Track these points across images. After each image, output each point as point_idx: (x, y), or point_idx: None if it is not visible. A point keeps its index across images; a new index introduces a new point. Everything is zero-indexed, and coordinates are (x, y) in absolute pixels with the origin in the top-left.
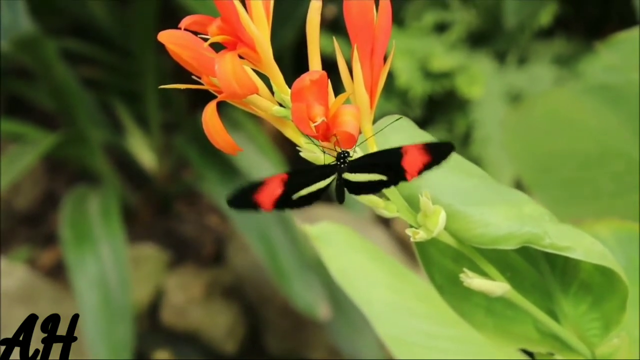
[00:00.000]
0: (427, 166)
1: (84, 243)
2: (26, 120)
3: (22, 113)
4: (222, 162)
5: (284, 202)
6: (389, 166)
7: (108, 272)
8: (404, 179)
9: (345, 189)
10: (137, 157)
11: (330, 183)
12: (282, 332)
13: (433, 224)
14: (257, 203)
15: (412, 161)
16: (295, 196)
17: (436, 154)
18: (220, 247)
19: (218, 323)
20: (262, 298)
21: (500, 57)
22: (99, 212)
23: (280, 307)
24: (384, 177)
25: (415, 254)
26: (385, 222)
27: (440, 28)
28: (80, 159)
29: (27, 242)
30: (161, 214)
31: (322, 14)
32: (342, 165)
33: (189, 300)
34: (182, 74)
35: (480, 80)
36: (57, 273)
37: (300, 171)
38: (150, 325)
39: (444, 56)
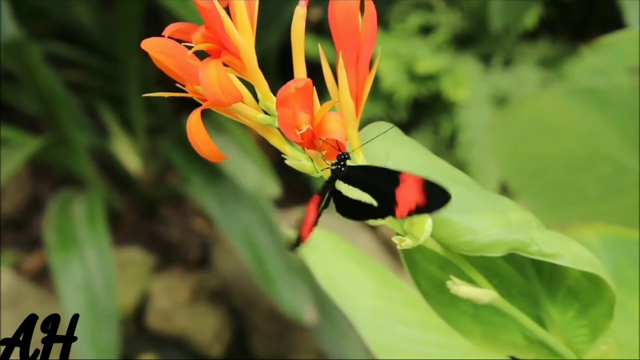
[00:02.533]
0: (419, 210)
1: (69, 247)
2: (11, 124)
3: (7, 117)
4: (207, 166)
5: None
6: (382, 191)
7: (93, 276)
8: (393, 213)
9: (335, 205)
10: (122, 161)
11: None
12: (268, 336)
13: (419, 232)
14: (302, 238)
15: (406, 195)
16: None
17: (432, 199)
18: (206, 251)
19: (204, 327)
20: (248, 302)
21: (486, 60)
22: (84, 216)
23: (266, 311)
24: (374, 202)
25: (402, 260)
26: (372, 227)
27: (425, 30)
28: (65, 163)
29: (12, 247)
30: (146, 217)
31: (306, 18)
32: (342, 169)
33: (175, 305)
34: (167, 78)
35: (466, 82)
36: (42, 277)
37: (325, 187)
38: (136, 329)
39: (429, 59)
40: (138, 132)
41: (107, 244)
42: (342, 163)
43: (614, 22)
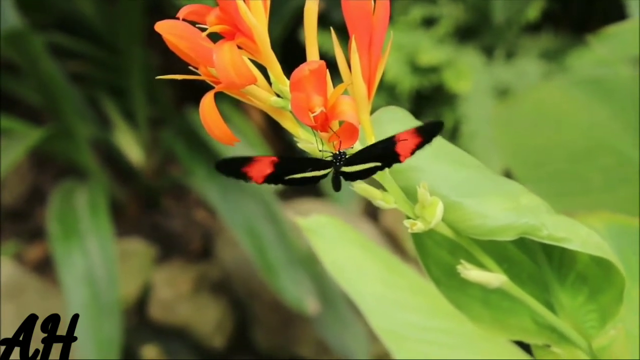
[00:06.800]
0: (419, 146)
1: (71, 238)
2: (13, 115)
3: (9, 108)
4: (209, 157)
5: (274, 180)
6: (383, 154)
7: (95, 267)
8: (398, 161)
9: (342, 177)
10: (125, 152)
11: (327, 174)
12: (271, 327)
13: (430, 215)
14: (246, 174)
15: (405, 146)
16: (288, 177)
17: (427, 133)
18: (208, 242)
19: (206, 318)
20: (250, 293)
21: (488, 52)
22: (86, 207)
23: (268, 302)
24: (378, 164)
25: (413, 245)
26: (373, 217)
27: (428, 22)
28: (67, 154)
29: (13, 238)
30: (149, 208)
31: None
32: (339, 164)
33: (177, 296)
34: (170, 68)
35: (468, 75)
36: (44, 268)
37: (293, 159)
38: (138, 320)
39: (431, 51)
40: (140, 124)
41: (110, 234)
42: (339, 160)
43: (616, 14)
